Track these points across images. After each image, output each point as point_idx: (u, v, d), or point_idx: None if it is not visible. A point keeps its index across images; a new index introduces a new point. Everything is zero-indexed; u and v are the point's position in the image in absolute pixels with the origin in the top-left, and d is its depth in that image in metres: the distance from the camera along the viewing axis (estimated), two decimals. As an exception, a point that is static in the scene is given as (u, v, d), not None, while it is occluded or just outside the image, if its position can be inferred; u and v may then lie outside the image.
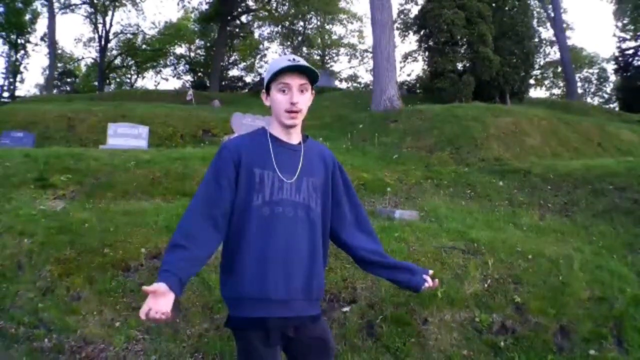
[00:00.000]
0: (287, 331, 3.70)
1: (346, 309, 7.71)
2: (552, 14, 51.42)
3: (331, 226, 4.02)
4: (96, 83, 75.78)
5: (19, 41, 67.45)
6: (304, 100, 3.79)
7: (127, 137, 20.32)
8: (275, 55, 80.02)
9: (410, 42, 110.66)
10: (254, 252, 3.60)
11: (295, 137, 3.89)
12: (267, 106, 3.88)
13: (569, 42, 59.12)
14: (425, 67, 38.16)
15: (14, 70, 69.57)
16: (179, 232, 3.52)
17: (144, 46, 79.67)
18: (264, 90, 3.88)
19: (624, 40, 57.03)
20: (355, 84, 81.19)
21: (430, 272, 4.04)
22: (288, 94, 3.72)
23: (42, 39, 71.23)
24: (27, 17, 65.79)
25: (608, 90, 79.78)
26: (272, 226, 3.63)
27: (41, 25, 69.58)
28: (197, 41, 79.15)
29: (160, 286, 3.25)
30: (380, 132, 21.87)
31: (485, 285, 8.35)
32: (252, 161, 3.69)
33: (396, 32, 37.23)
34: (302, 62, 3.72)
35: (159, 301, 3.24)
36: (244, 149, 3.73)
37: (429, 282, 3.98)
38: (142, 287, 3.33)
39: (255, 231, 3.62)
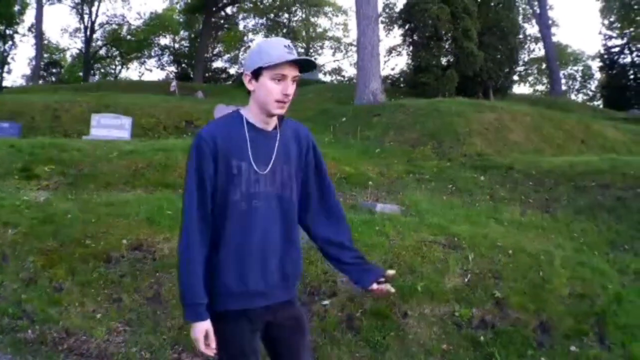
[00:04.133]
0: (267, 317, 3.74)
1: (326, 302, 7.73)
2: (538, 10, 51.45)
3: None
4: (81, 74, 75.62)
5: (7, 32, 67.12)
6: (293, 91, 3.66)
7: (110, 127, 20.29)
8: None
9: (395, 36, 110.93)
10: (232, 248, 3.59)
11: (272, 123, 3.76)
12: (250, 90, 3.69)
13: (554, 39, 59.23)
14: (409, 61, 38.15)
15: (1, 61, 69.16)
16: (185, 257, 3.57)
17: (128, 37, 79.43)
18: (248, 73, 3.65)
19: (610, 38, 57.34)
20: (339, 78, 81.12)
21: (390, 272, 3.93)
22: (281, 84, 3.58)
23: (29, 29, 70.89)
24: (16, 8, 65.47)
25: (592, 87, 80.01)
26: (250, 221, 3.60)
27: (29, 16, 69.21)
28: (181, 32, 79.00)
29: (207, 329, 3.54)
30: (363, 125, 21.87)
31: (466, 280, 8.38)
32: (229, 152, 3.58)
33: (381, 26, 37.28)
34: (297, 54, 3.59)
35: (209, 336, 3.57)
36: (220, 138, 3.58)
37: (376, 287, 3.87)
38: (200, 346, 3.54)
39: (234, 227, 3.59)
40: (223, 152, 3.56)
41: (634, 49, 54.90)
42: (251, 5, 69.77)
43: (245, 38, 78.85)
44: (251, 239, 3.60)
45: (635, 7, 55.20)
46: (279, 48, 3.58)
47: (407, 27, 36.20)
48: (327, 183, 4.07)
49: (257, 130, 3.70)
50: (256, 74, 3.62)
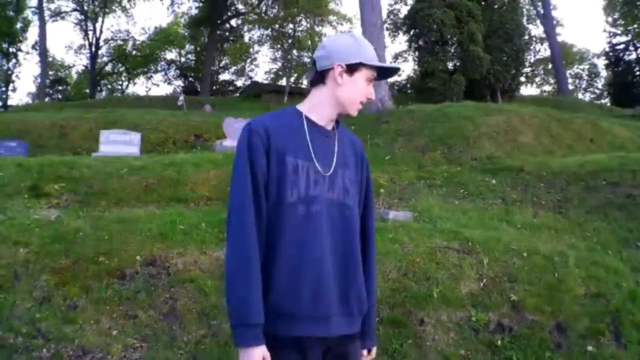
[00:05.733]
0: (322, 350, 3.20)
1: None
2: (542, 11, 51.45)
3: None
4: (87, 90, 75.70)
5: (10, 50, 67.24)
6: None
7: (119, 144, 20.25)
8: (265, 59, 79.67)
9: (400, 42, 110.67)
10: (286, 259, 3.12)
11: (332, 123, 3.46)
12: (337, 84, 3.35)
13: (559, 39, 59.15)
14: (416, 67, 38.50)
15: (5, 79, 69.34)
16: (241, 269, 3.04)
17: (134, 52, 79.52)
18: (343, 64, 3.31)
19: (615, 35, 57.48)
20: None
21: (371, 353, 3.57)
22: (370, 86, 3.41)
23: (33, 47, 71.15)
24: (19, 25, 65.60)
25: (599, 85, 79.78)
26: (308, 228, 3.15)
27: (32, 34, 69.32)
28: (187, 46, 79.02)
29: (264, 354, 2.98)
30: (372, 133, 21.73)
31: (481, 284, 8.37)
32: (283, 147, 3.18)
33: (386, 33, 37.31)
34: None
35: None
36: (273, 131, 3.19)
37: (364, 356, 3.52)
38: None
39: (289, 234, 3.13)
40: (276, 147, 3.18)
41: (638, 45, 54.98)
42: (255, 16, 69.76)
43: (251, 50, 78.99)
44: (308, 251, 3.14)
45: (638, 3, 55.13)
46: (373, 51, 3.42)
47: (412, 32, 36.38)
48: (371, 202, 3.65)
49: (317, 128, 3.36)
50: (352, 68, 3.35)
